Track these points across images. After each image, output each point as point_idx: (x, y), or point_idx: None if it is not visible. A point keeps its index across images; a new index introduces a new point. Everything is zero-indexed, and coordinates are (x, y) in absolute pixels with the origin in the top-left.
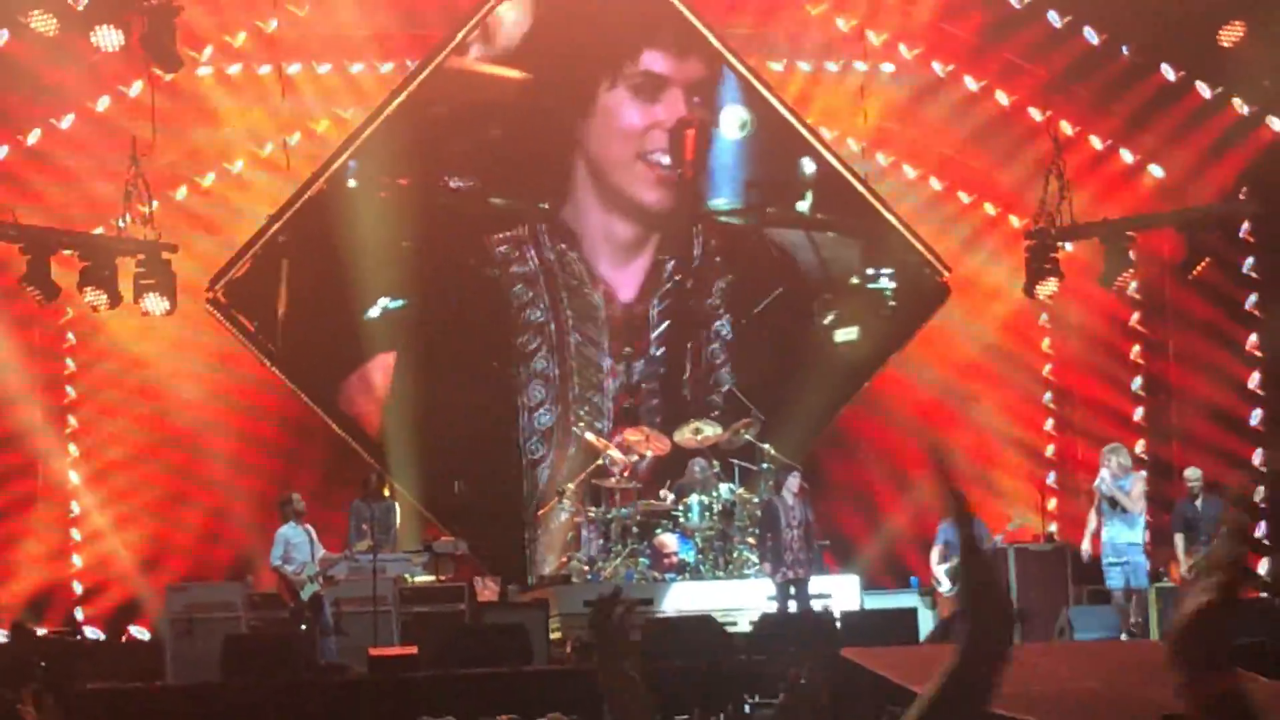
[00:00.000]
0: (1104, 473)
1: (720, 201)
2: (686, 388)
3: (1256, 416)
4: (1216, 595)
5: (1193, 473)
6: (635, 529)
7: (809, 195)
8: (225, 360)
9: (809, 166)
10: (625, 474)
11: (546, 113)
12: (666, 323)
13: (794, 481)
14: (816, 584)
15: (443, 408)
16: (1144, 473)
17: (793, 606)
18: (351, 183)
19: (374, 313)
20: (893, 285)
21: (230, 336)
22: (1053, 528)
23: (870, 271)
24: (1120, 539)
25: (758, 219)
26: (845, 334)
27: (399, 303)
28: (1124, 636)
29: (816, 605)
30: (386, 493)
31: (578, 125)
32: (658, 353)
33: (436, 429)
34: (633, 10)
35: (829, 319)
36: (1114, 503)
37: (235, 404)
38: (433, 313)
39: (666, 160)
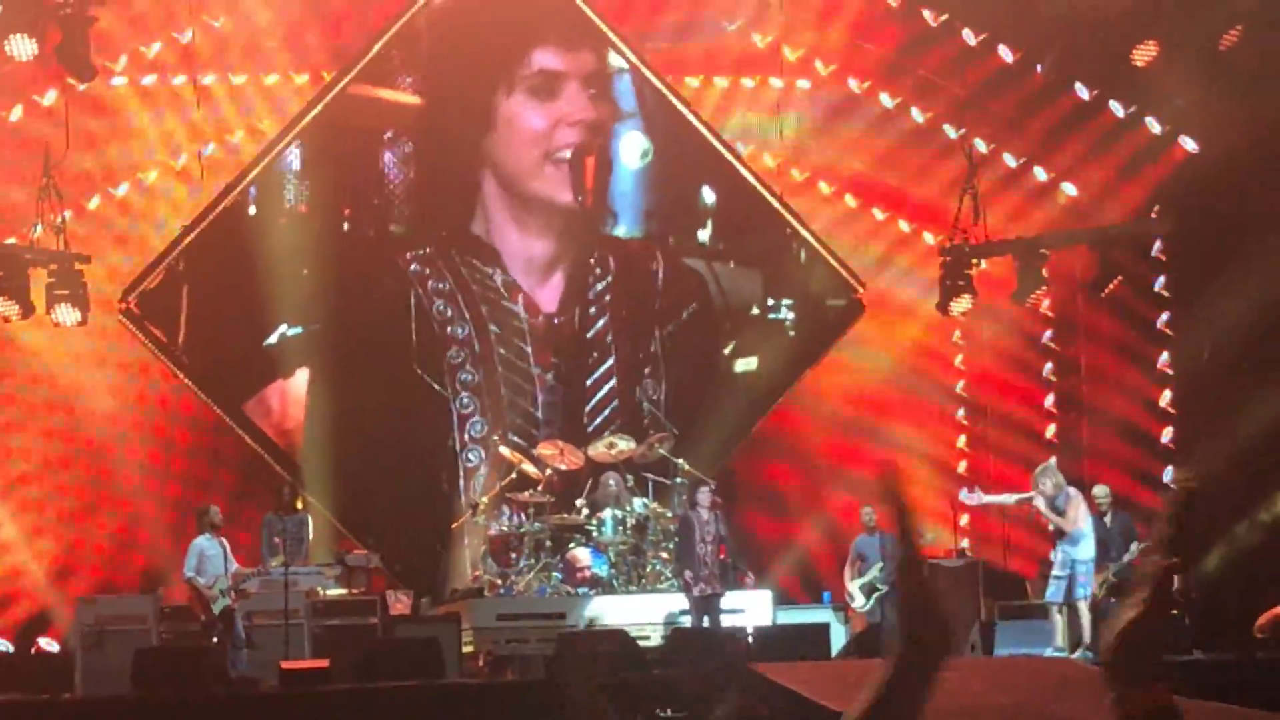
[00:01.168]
0: (1039, 501)
1: (620, 230)
2: (602, 401)
3: (1167, 434)
4: (1145, 609)
5: (1101, 490)
6: (548, 543)
7: (709, 224)
8: (138, 372)
9: (709, 196)
10: (539, 487)
11: (445, 134)
12: (588, 334)
13: (705, 495)
14: (730, 599)
15: (359, 422)
16: (1075, 490)
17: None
18: (252, 209)
19: (273, 339)
20: (793, 315)
21: (143, 348)
22: (964, 543)
23: (771, 302)
24: (1071, 556)
25: (659, 247)
26: (744, 364)
27: (297, 330)
28: (1049, 652)
29: (727, 621)
30: (299, 506)
31: (482, 142)
32: (576, 364)
33: (352, 443)
34: (516, 12)
35: (728, 349)
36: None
37: (148, 416)
38: (347, 333)
39: (568, 155)
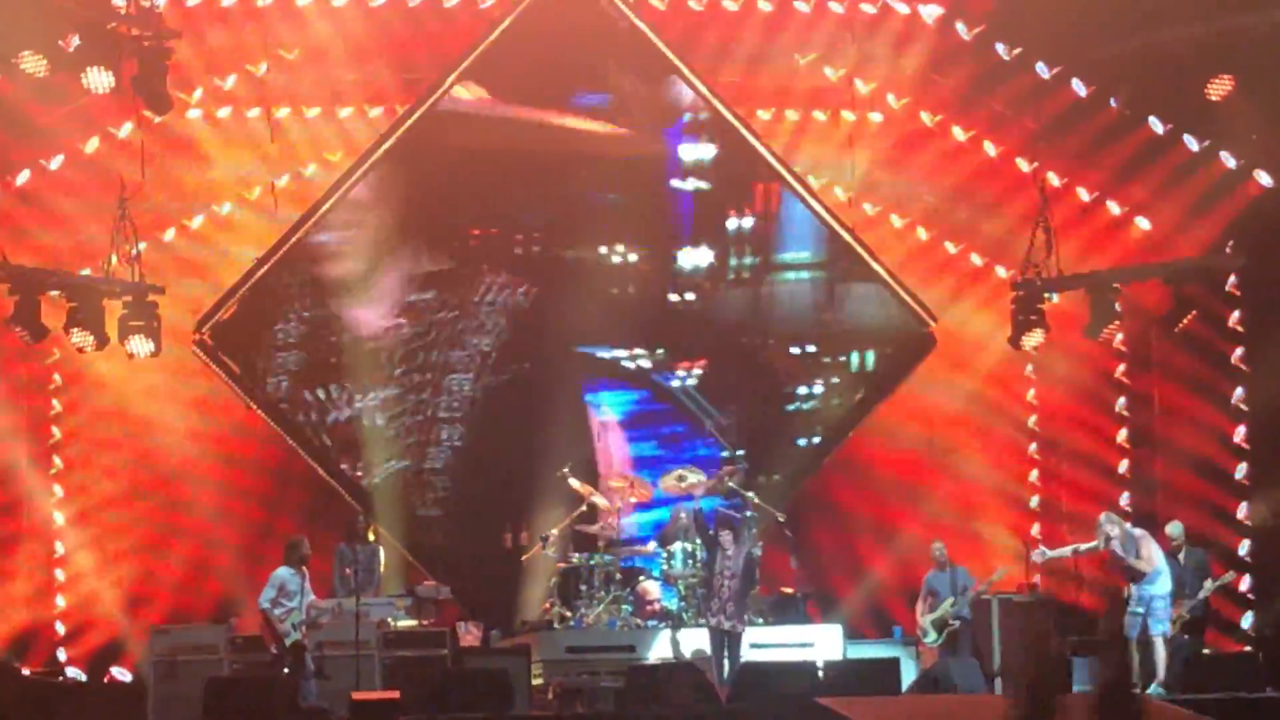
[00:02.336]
0: (1114, 545)
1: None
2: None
3: (1241, 470)
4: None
5: (1174, 528)
6: (618, 575)
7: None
8: (210, 402)
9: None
10: (609, 520)
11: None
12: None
13: (726, 537)
14: (799, 633)
15: (429, 452)
16: (1142, 530)
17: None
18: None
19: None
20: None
21: (215, 379)
22: (1036, 579)
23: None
24: (1147, 592)
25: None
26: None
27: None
28: None
29: (797, 655)
30: (371, 537)
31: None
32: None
33: (420, 473)
34: (592, 41)
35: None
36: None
37: (220, 446)
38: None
39: None
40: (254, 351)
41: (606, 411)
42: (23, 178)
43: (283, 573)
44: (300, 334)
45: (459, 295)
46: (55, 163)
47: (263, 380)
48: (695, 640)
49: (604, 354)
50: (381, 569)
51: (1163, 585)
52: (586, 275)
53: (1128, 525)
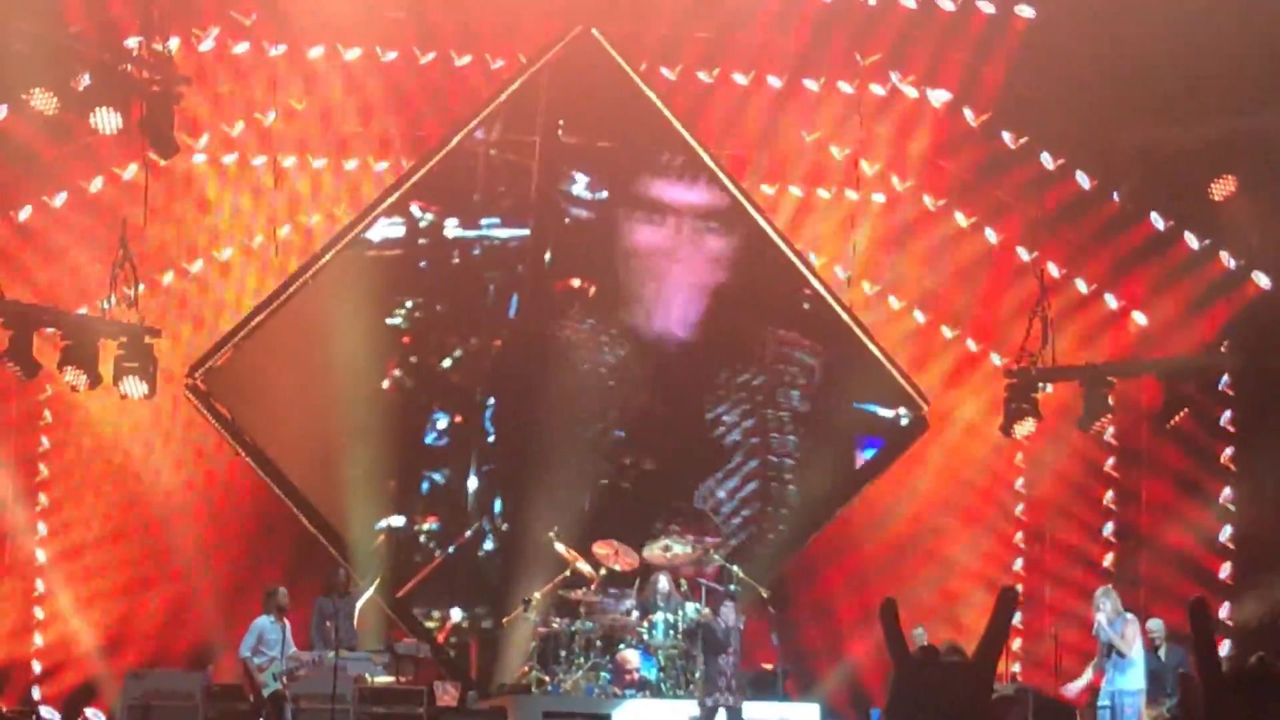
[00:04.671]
0: (1100, 618)
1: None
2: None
3: (1226, 570)
4: None
5: (1156, 624)
6: (599, 642)
7: None
8: (200, 448)
9: None
10: (593, 587)
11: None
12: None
13: (728, 610)
14: (776, 710)
15: (413, 504)
16: (1133, 615)
17: None
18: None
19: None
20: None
21: (206, 424)
22: (1016, 668)
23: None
24: (1117, 685)
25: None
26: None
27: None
28: None
29: None
30: (351, 590)
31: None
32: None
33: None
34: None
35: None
36: (1111, 648)
37: (207, 492)
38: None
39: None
40: (246, 399)
41: None
42: (25, 213)
43: (262, 622)
44: (295, 384)
45: None
46: (58, 200)
47: (253, 428)
48: (671, 714)
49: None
50: (356, 620)
51: (1134, 680)
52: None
53: (1123, 608)
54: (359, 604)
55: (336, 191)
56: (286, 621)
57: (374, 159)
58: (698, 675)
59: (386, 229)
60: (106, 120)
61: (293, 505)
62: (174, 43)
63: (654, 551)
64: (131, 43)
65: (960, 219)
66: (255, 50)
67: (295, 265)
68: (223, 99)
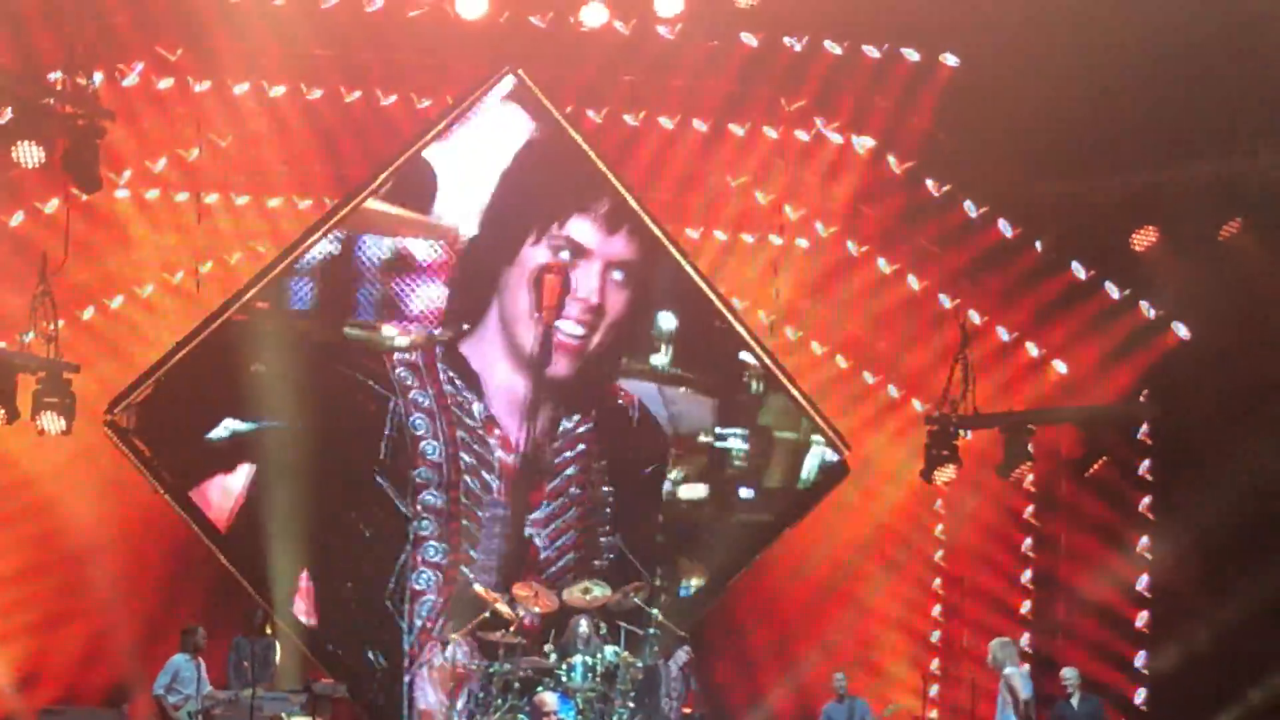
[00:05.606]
0: (1010, 667)
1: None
2: (578, 545)
3: (1142, 619)
4: None
5: (1069, 672)
6: (516, 684)
7: (666, 350)
8: (117, 484)
9: (667, 322)
10: (512, 629)
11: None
12: (560, 477)
13: (683, 655)
14: None
15: (320, 536)
16: (1015, 672)
17: None
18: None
19: (221, 432)
20: (745, 446)
21: (125, 461)
22: (933, 714)
23: (720, 430)
24: None
25: (613, 369)
26: (691, 490)
27: (249, 425)
28: None
29: None
30: (268, 630)
31: (500, 271)
32: (550, 507)
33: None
34: (569, 176)
35: (675, 475)
36: (1012, 693)
37: (124, 529)
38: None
39: (580, 331)
40: (166, 436)
41: None
42: None
43: (178, 660)
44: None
45: None
46: None
47: (172, 465)
48: None
49: None
50: (277, 662)
51: None
52: None
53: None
54: (278, 645)
55: (260, 229)
56: (202, 660)
57: (298, 197)
58: (619, 717)
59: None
60: (29, 154)
61: (210, 543)
62: (98, 78)
63: (574, 594)
64: (55, 77)
65: (883, 265)
66: (180, 86)
67: (217, 302)
68: (147, 135)
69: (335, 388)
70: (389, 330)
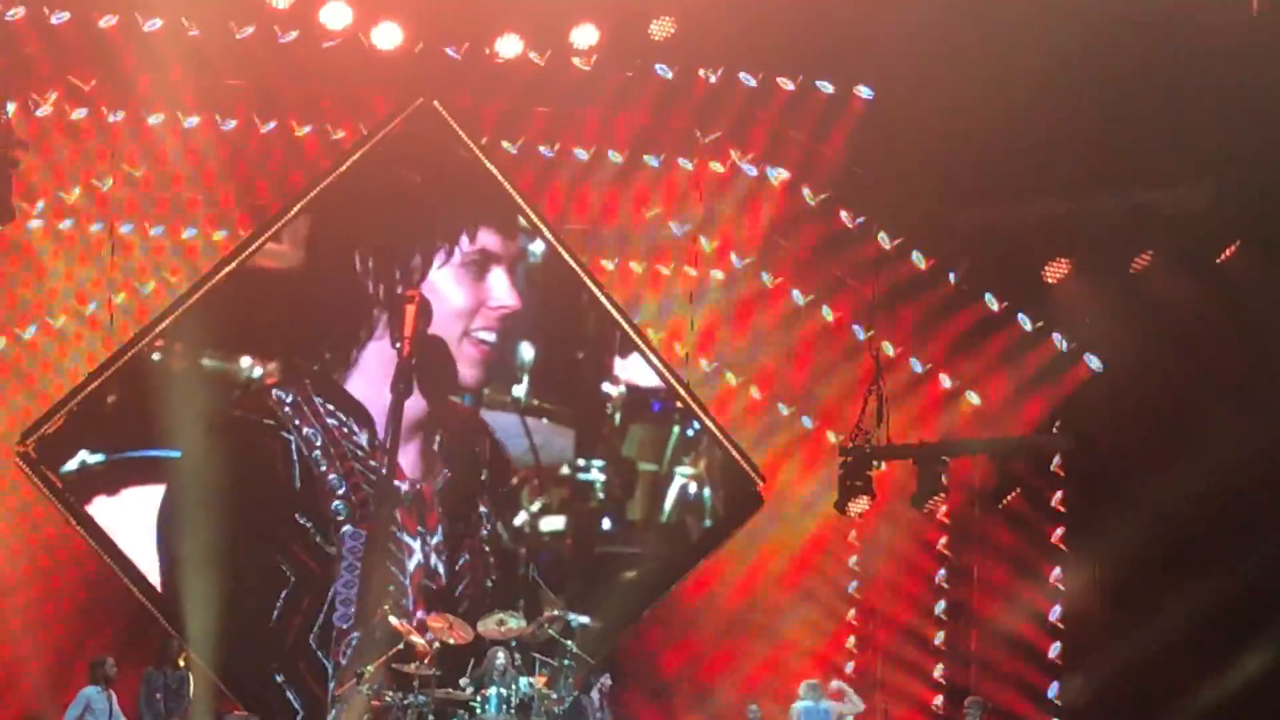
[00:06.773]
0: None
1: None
2: (474, 567)
3: (1055, 649)
4: None
5: (973, 701)
6: (431, 716)
7: (525, 380)
8: (30, 516)
9: (527, 353)
10: (426, 661)
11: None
12: (453, 503)
13: (606, 681)
14: None
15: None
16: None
17: None
18: (156, 357)
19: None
20: (604, 477)
21: (36, 492)
22: None
23: (581, 462)
24: None
25: (474, 401)
26: (551, 523)
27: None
28: None
29: None
30: (181, 662)
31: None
32: (443, 531)
33: (229, 594)
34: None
35: (536, 506)
36: None
37: (36, 561)
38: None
39: (492, 339)
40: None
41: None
42: None
43: (89, 692)
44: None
45: None
46: None
47: (83, 497)
48: None
49: None
50: (191, 695)
51: None
52: None
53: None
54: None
55: (173, 259)
56: (113, 692)
57: (212, 227)
58: None
59: None
60: None
61: (122, 574)
62: (11, 107)
63: (488, 625)
64: None
65: (798, 297)
66: (94, 116)
67: (130, 333)
68: (60, 164)
69: (240, 423)
70: (245, 361)
